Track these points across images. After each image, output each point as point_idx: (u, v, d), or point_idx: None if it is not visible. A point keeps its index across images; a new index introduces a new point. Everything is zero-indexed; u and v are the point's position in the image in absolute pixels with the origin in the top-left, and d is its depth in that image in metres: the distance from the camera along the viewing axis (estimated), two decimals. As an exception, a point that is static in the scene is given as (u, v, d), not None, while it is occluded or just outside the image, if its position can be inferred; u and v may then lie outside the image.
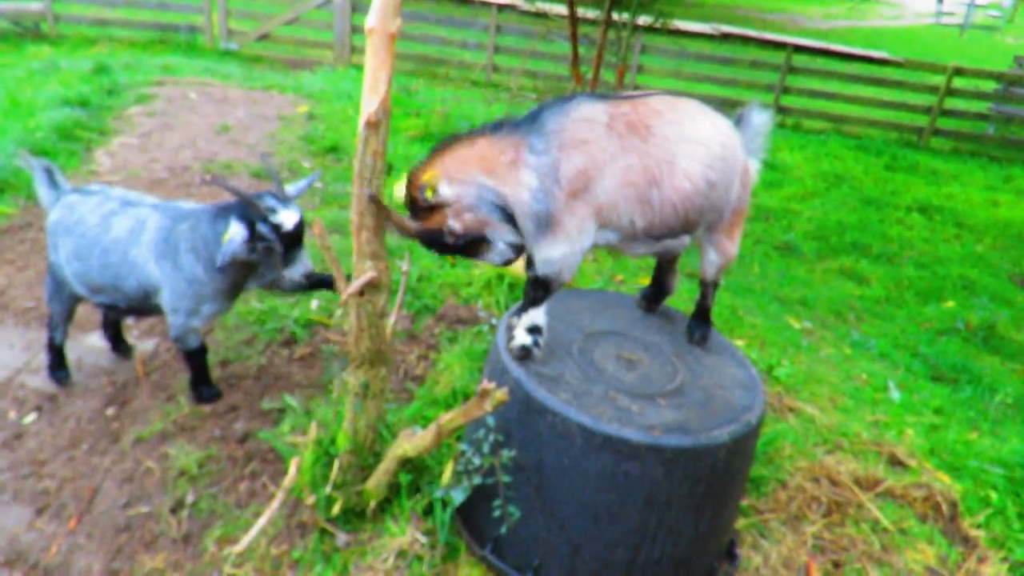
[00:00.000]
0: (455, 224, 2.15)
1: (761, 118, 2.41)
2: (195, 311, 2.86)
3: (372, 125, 2.06)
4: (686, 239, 2.46)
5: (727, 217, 2.40)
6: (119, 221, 2.87)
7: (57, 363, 3.25)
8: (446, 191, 2.13)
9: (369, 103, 2.04)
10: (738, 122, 2.41)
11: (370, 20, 1.98)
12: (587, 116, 2.14)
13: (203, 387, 3.14)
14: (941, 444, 3.44)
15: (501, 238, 2.21)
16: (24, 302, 3.82)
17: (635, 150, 2.14)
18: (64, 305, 3.14)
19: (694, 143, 2.18)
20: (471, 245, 2.21)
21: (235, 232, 2.62)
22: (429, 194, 2.12)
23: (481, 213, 2.15)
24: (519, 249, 2.28)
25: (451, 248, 2.22)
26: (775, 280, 6.02)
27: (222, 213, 2.77)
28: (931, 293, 6.26)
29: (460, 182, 2.13)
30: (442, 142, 2.21)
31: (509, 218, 2.17)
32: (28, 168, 3.16)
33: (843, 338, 5.05)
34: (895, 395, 3.99)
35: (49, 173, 3.08)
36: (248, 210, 2.68)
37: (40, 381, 3.27)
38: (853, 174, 9.35)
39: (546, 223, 2.16)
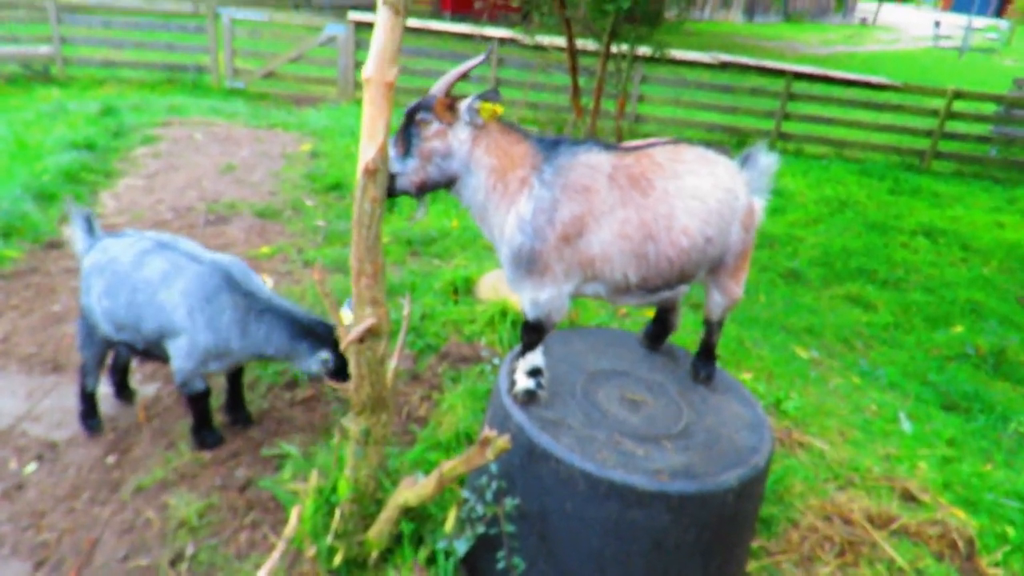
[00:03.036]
0: (437, 143, 2.12)
1: (768, 159, 2.42)
2: (205, 364, 2.91)
3: (370, 172, 2.06)
4: (683, 288, 2.45)
5: (730, 261, 2.38)
6: (152, 261, 2.92)
7: (89, 411, 3.24)
8: (473, 137, 2.14)
9: (367, 151, 2.04)
10: (744, 162, 2.41)
11: (367, 69, 1.99)
12: (593, 164, 2.16)
13: (205, 432, 3.12)
14: (955, 477, 3.37)
15: (412, 178, 2.16)
16: (28, 348, 3.82)
17: (634, 204, 2.14)
18: (96, 350, 3.15)
19: (693, 198, 2.18)
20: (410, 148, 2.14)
21: (327, 360, 2.89)
22: (485, 112, 2.11)
23: (450, 169, 2.16)
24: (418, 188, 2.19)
25: (405, 131, 2.14)
26: (781, 308, 5.98)
27: (306, 334, 2.90)
28: (939, 318, 6.19)
29: (485, 146, 2.14)
30: (511, 123, 2.24)
31: (444, 185, 2.19)
32: (68, 214, 3.24)
33: (851, 367, 4.99)
34: (906, 426, 3.92)
35: (87, 221, 3.15)
36: (334, 342, 2.87)
37: (42, 429, 3.26)
38: (856, 199, 9.34)
39: (530, 261, 2.16)
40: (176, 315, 2.82)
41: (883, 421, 3.93)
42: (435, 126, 2.11)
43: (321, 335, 2.89)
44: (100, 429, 3.24)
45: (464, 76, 2.14)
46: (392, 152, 2.13)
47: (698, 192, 2.19)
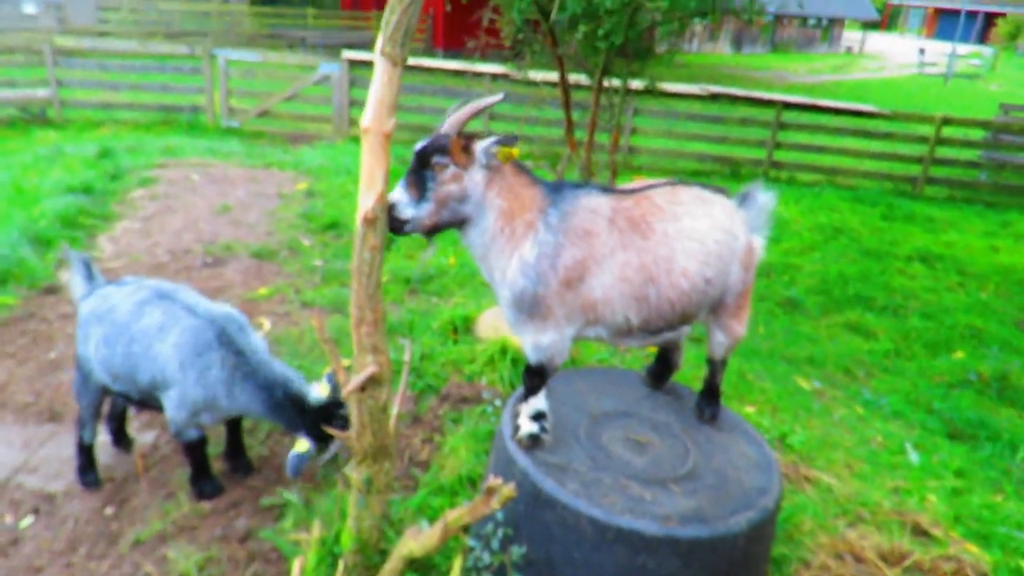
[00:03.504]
0: (454, 188, 2.08)
1: (765, 197, 2.43)
2: (197, 416, 2.88)
3: (369, 221, 2.06)
4: (686, 328, 2.44)
5: (731, 301, 2.38)
6: (151, 312, 2.89)
7: (87, 465, 3.19)
8: (487, 179, 2.11)
9: (366, 200, 2.04)
10: (743, 200, 2.42)
11: (365, 120, 2.00)
12: (594, 208, 2.16)
13: (204, 482, 3.07)
14: (966, 510, 3.33)
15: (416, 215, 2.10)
16: (24, 397, 3.77)
17: (634, 247, 2.14)
18: (92, 400, 3.11)
19: (692, 240, 2.18)
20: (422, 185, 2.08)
21: (304, 448, 2.77)
22: (502, 155, 2.08)
23: (464, 212, 2.12)
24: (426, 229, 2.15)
25: (417, 173, 2.08)
26: (781, 339, 5.96)
27: (284, 411, 2.83)
28: (939, 344, 6.18)
29: (497, 189, 2.11)
30: (522, 165, 2.21)
31: (456, 224, 2.15)
32: (67, 260, 3.22)
33: (854, 397, 4.96)
34: (913, 457, 3.89)
35: (86, 266, 3.14)
36: (314, 423, 2.81)
37: (38, 480, 3.20)
38: (851, 225, 9.39)
39: (532, 305, 2.15)
40: (168, 368, 2.80)
41: (889, 452, 3.90)
42: (451, 170, 2.06)
43: (300, 416, 2.80)
44: (98, 484, 3.19)
45: (476, 115, 2.10)
46: (404, 196, 2.07)
47: (696, 234, 2.20)
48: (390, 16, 1.89)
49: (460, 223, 2.16)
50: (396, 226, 2.08)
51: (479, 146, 2.08)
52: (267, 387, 2.82)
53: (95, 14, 21.66)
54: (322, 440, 2.81)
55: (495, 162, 2.09)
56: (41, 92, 10.79)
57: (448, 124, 2.10)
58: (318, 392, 2.83)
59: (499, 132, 2.34)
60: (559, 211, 2.14)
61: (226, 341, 2.83)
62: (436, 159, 2.05)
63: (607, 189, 2.26)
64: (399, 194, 2.07)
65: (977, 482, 3.69)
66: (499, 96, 2.11)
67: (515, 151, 2.09)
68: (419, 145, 2.09)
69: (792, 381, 4.93)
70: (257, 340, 2.98)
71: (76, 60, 11.22)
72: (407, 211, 2.07)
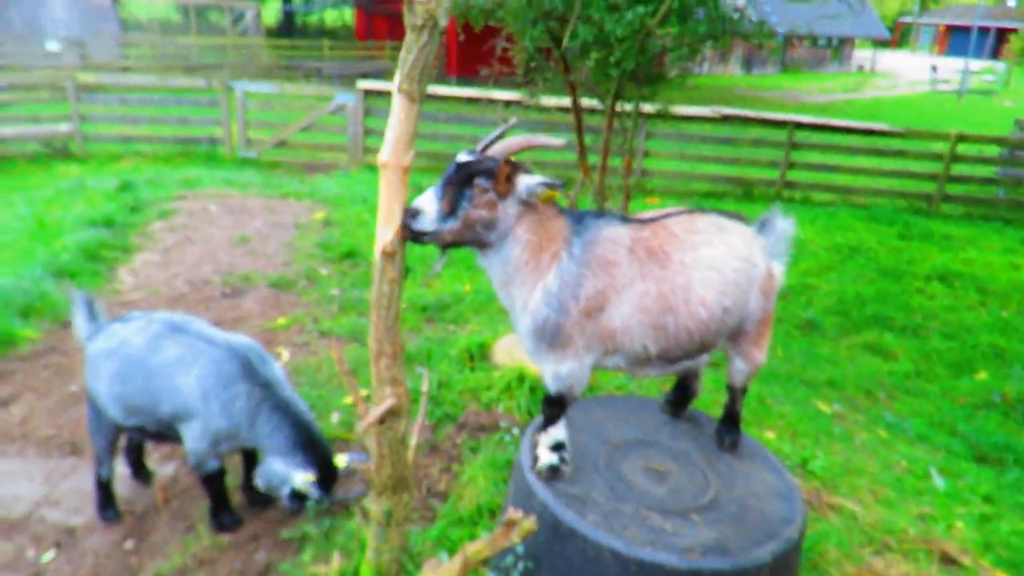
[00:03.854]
0: (486, 213, 2.04)
1: (785, 224, 2.43)
2: (217, 445, 2.90)
3: (388, 255, 2.08)
4: (704, 357, 2.43)
5: (750, 328, 2.37)
6: (168, 345, 2.92)
7: (105, 501, 3.21)
8: (518, 214, 2.10)
9: (384, 234, 2.07)
10: (762, 227, 2.42)
11: (383, 155, 2.03)
12: (614, 238, 2.16)
13: (223, 514, 3.07)
14: (995, 537, 3.26)
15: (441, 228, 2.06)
16: (46, 431, 3.81)
17: (653, 276, 2.14)
18: (107, 437, 3.13)
19: (710, 269, 2.18)
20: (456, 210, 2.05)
21: (305, 480, 2.86)
22: (544, 197, 2.06)
23: (487, 238, 2.09)
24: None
25: (455, 188, 2.04)
26: (800, 361, 5.90)
27: (306, 446, 2.88)
28: (962, 365, 6.09)
29: (528, 223, 2.10)
30: (556, 204, 2.19)
31: (474, 246, 2.13)
32: (69, 299, 3.24)
33: (876, 420, 4.89)
34: (939, 482, 3.82)
35: (89, 305, 3.16)
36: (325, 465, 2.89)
37: (60, 514, 3.22)
38: (867, 245, 9.32)
39: (553, 335, 2.14)
40: (191, 399, 2.82)
41: (914, 478, 3.83)
42: (489, 195, 2.02)
43: (318, 454, 2.87)
44: (118, 519, 3.20)
45: (527, 149, 2.08)
46: (434, 209, 2.01)
47: (713, 262, 2.19)
48: (407, 55, 1.93)
49: (479, 245, 2.14)
50: (416, 235, 2.03)
51: (524, 182, 2.05)
52: (293, 423, 2.86)
53: (116, 50, 22.19)
54: (326, 487, 2.87)
55: (534, 200, 2.07)
56: (63, 127, 11.02)
57: (497, 148, 2.06)
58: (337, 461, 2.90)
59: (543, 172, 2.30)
60: (582, 241, 2.14)
61: (251, 372, 2.86)
62: (479, 181, 2.01)
63: (626, 218, 2.26)
64: (429, 204, 2.01)
65: (1006, 507, 3.62)
66: (560, 142, 2.08)
67: (556, 194, 2.08)
68: (464, 158, 2.05)
69: (812, 405, 4.88)
70: (279, 371, 3.01)
71: (98, 95, 11.47)
72: (432, 223, 2.02)
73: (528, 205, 2.09)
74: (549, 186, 2.04)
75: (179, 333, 2.96)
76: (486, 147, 2.08)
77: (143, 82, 13.11)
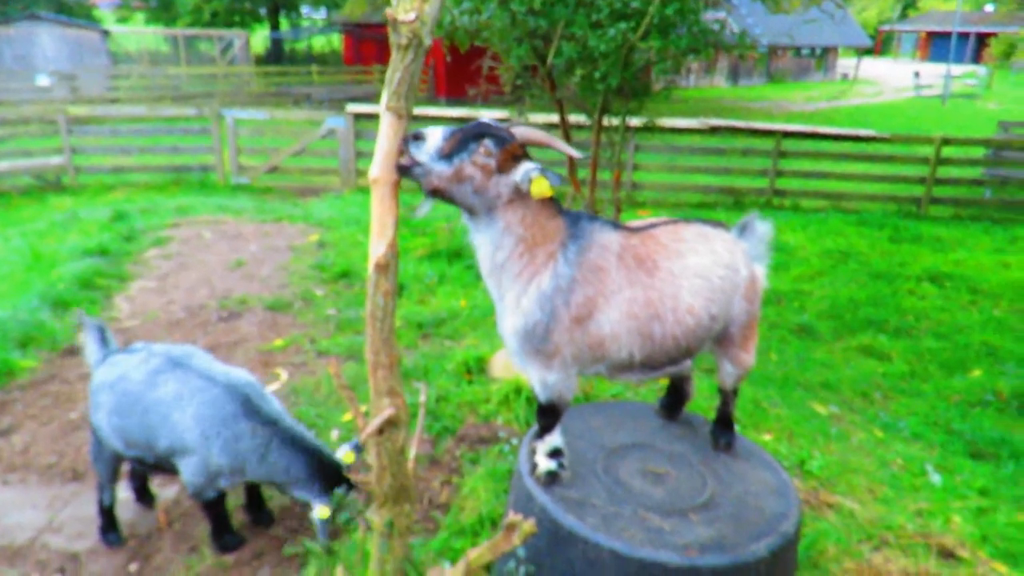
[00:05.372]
0: (478, 176, 2.01)
1: (764, 226, 2.49)
2: (215, 481, 2.94)
3: (381, 268, 2.12)
4: (687, 363, 2.47)
5: (736, 332, 2.42)
6: (165, 381, 2.93)
7: (108, 525, 3.22)
8: (511, 198, 2.08)
9: (377, 247, 2.11)
10: (742, 231, 2.48)
11: (373, 170, 2.08)
12: (605, 244, 2.19)
13: (225, 535, 3.09)
14: (992, 529, 3.29)
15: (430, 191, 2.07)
16: (47, 458, 3.82)
17: (641, 283, 2.18)
18: (108, 465, 3.15)
19: (697, 276, 2.23)
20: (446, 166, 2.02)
21: (326, 515, 2.91)
22: (535, 185, 2.03)
23: (471, 201, 2.06)
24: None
25: (463, 138, 2.01)
26: (795, 365, 5.95)
27: (324, 472, 2.94)
28: (955, 364, 6.15)
29: (521, 215, 2.09)
30: (554, 201, 2.19)
31: (459, 207, 2.11)
32: (82, 326, 3.28)
33: (872, 420, 4.93)
34: (935, 479, 3.85)
35: (101, 332, 3.20)
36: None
37: (63, 540, 3.23)
38: (858, 249, 9.41)
39: (541, 340, 2.16)
40: (188, 436, 2.84)
41: (911, 475, 3.87)
42: (489, 162, 2.01)
43: (338, 476, 2.93)
44: (121, 543, 3.21)
45: (543, 146, 2.08)
46: (438, 142, 1.99)
47: (701, 270, 2.24)
48: (393, 73, 1.99)
49: (465, 209, 2.11)
50: (407, 162, 1.99)
51: (524, 166, 2.04)
52: (307, 452, 2.91)
53: (106, 82, 22.35)
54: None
55: (525, 187, 2.05)
56: (55, 160, 11.09)
57: (520, 130, 2.05)
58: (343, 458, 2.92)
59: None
60: (577, 245, 2.15)
61: (253, 409, 2.89)
62: (487, 142, 1.99)
63: (618, 225, 2.30)
64: (433, 137, 1.98)
65: (1002, 500, 3.65)
66: (578, 154, 2.10)
67: (549, 191, 2.06)
68: (487, 119, 2.05)
69: (808, 407, 4.92)
70: (279, 404, 3.05)
71: (89, 128, 11.55)
72: (428, 158, 1.98)
73: (521, 195, 2.07)
74: (543, 172, 2.02)
75: (178, 368, 2.97)
76: (513, 125, 2.09)
77: (134, 112, 13.22)
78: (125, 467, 3.33)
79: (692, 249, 2.27)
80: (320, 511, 2.86)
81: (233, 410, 2.86)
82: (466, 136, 2.00)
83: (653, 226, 2.34)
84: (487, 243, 2.14)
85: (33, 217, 9.14)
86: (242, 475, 2.93)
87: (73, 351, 5.05)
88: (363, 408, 2.43)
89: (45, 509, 3.45)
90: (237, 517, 3.26)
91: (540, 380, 2.24)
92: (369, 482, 2.34)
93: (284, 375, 4.67)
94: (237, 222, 8.81)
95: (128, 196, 10.63)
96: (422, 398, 2.51)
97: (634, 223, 2.41)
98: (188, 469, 2.88)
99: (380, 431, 2.26)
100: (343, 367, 4.70)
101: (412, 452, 2.43)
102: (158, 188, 11.24)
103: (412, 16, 1.93)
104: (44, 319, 5.36)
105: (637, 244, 2.24)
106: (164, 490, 3.58)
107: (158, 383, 2.92)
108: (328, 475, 2.92)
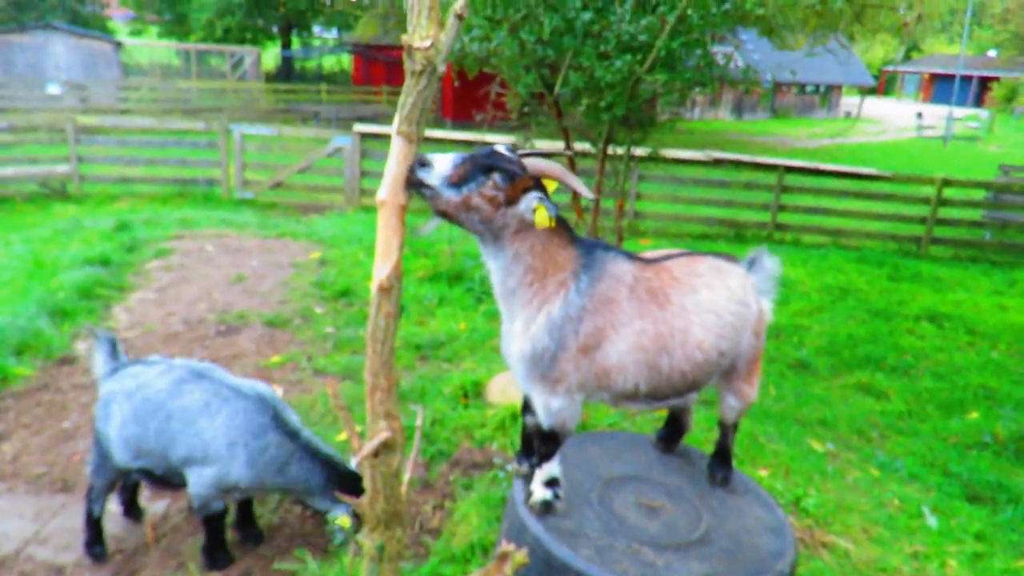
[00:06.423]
0: (484, 206, 2.00)
1: (772, 262, 2.50)
2: (226, 494, 2.94)
3: (384, 290, 2.12)
4: (692, 396, 2.47)
5: (742, 366, 2.42)
6: (192, 390, 2.94)
7: (94, 539, 3.19)
8: (517, 228, 2.07)
9: (381, 269, 2.12)
10: (751, 265, 2.49)
11: (381, 193, 2.09)
12: (618, 275, 2.19)
13: (217, 552, 3.05)
14: (988, 575, 3.26)
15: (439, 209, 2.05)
16: (37, 468, 3.79)
17: (651, 316, 2.18)
18: (107, 478, 3.14)
19: (709, 312, 2.23)
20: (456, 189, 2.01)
21: (347, 524, 2.94)
22: (538, 214, 2.01)
23: (478, 230, 2.06)
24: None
25: (474, 167, 2.00)
26: (792, 400, 5.93)
27: (341, 481, 2.97)
28: (953, 405, 6.13)
29: (530, 245, 2.08)
30: (563, 221, 2.16)
31: (472, 232, 2.10)
32: (93, 338, 3.28)
33: (869, 459, 4.90)
34: (931, 521, 3.82)
35: (112, 344, 3.20)
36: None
37: (48, 552, 3.20)
38: (857, 286, 9.43)
39: (548, 367, 2.15)
40: (213, 445, 2.84)
41: (907, 516, 3.84)
42: (497, 195, 2.00)
43: (356, 485, 2.92)
44: (105, 558, 3.18)
45: (556, 180, 2.06)
46: (447, 169, 1.99)
47: (713, 306, 2.24)
48: (406, 98, 2.01)
49: (474, 235, 2.12)
50: (417, 181, 1.98)
51: (529, 196, 2.03)
52: (322, 463, 2.93)
53: (117, 93, 22.55)
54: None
55: (529, 217, 2.05)
56: (61, 168, 11.15)
57: (532, 163, 2.04)
58: (339, 522, 2.95)
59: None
60: (590, 275, 2.15)
61: (280, 422, 2.92)
62: (496, 177, 1.99)
63: (632, 256, 2.28)
64: (442, 164, 1.98)
65: (999, 546, 3.62)
66: (590, 194, 2.07)
67: (550, 221, 2.04)
68: (500, 151, 2.04)
69: (805, 443, 4.89)
70: (297, 417, 3.08)
71: (97, 137, 11.63)
72: (438, 183, 1.98)
73: (528, 225, 2.06)
74: (544, 201, 2.01)
75: (203, 379, 2.99)
76: (526, 155, 2.08)
77: (143, 124, 13.32)
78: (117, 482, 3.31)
79: (706, 284, 2.27)
80: (341, 519, 2.88)
81: (264, 422, 2.88)
82: (476, 167, 2.00)
83: (668, 258, 2.35)
84: (498, 269, 2.14)
85: (36, 224, 9.16)
86: (255, 489, 2.93)
87: (68, 360, 5.03)
88: (358, 428, 2.42)
89: (32, 520, 3.41)
90: (227, 535, 3.22)
91: (544, 406, 2.23)
92: (361, 505, 2.32)
93: (280, 392, 4.66)
94: (240, 236, 8.83)
95: (132, 207, 10.67)
96: (418, 421, 2.50)
97: (648, 254, 2.40)
98: (199, 480, 2.87)
99: (375, 454, 2.25)
100: (340, 386, 4.68)
101: (406, 476, 2.42)
102: (162, 200, 11.28)
103: (427, 43, 1.96)
104: (42, 327, 5.35)
105: (651, 276, 2.24)
106: (153, 505, 3.55)
107: (183, 392, 2.94)
108: (345, 484, 2.93)
